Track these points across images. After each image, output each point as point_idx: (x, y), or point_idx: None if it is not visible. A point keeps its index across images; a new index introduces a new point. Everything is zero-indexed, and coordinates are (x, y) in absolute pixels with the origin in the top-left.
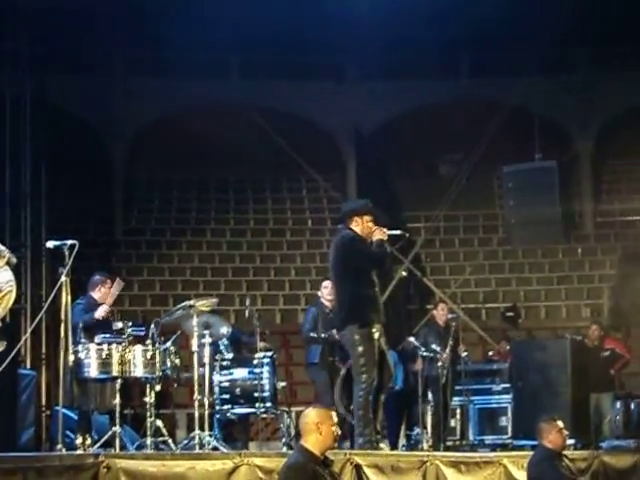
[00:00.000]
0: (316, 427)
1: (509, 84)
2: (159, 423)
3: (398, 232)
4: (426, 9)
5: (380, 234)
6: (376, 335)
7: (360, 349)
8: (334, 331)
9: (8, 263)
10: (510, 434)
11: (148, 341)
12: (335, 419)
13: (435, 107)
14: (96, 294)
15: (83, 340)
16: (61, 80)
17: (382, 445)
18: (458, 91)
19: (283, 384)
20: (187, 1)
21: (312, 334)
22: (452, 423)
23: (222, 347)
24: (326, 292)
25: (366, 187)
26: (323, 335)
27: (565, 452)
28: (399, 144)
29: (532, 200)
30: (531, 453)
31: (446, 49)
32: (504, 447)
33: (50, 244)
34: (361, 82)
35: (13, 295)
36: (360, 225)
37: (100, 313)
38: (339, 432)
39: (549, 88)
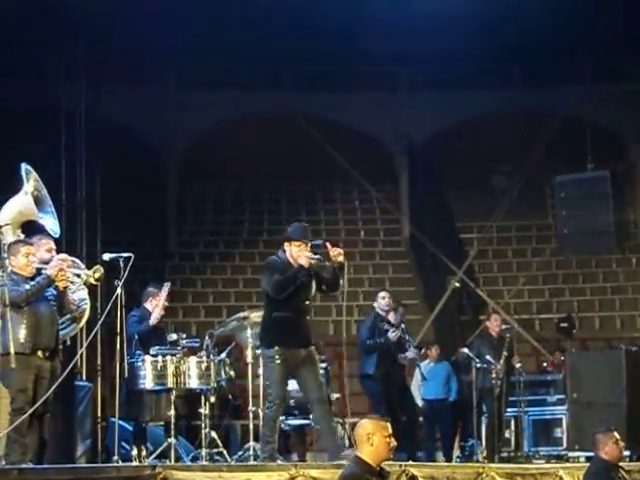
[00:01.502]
0: (369, 438)
1: (560, 93)
2: (214, 434)
3: (319, 257)
4: (477, 20)
5: (303, 260)
6: (278, 360)
7: (265, 370)
8: (391, 334)
9: (85, 283)
10: (565, 445)
11: (202, 353)
12: (389, 430)
13: (487, 117)
14: (149, 305)
15: (138, 352)
16: (115, 93)
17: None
18: (510, 101)
19: (337, 395)
20: (238, 14)
21: (370, 342)
22: (507, 434)
23: None
24: (383, 303)
25: (418, 198)
26: (380, 341)
27: (621, 464)
28: (451, 155)
29: (585, 210)
30: (587, 465)
31: (498, 59)
32: (559, 458)
33: (106, 257)
34: (414, 93)
35: (87, 314)
36: (288, 251)
37: (154, 317)
38: (394, 443)
39: (601, 97)
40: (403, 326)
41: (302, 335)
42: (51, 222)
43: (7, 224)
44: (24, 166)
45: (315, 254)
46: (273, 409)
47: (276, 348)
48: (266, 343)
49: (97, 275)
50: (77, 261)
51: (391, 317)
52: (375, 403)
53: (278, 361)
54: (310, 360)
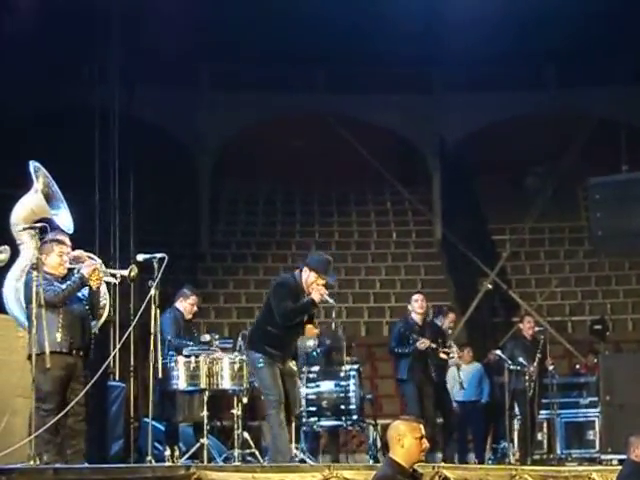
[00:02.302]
0: (400, 439)
1: (595, 95)
2: (246, 435)
3: (332, 301)
4: (512, 21)
5: (317, 295)
6: (262, 364)
7: (255, 373)
8: (420, 344)
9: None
10: (598, 448)
11: (235, 353)
12: (422, 432)
13: (520, 119)
14: (179, 305)
15: (171, 352)
16: (147, 93)
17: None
18: (544, 103)
19: (369, 396)
20: (269, 14)
21: (398, 350)
22: (539, 437)
23: (314, 355)
24: (417, 305)
25: (451, 200)
26: (407, 350)
27: None
28: (484, 156)
29: (619, 212)
30: (619, 467)
31: (532, 60)
32: (592, 461)
33: (140, 257)
34: (447, 94)
35: (107, 310)
36: (305, 276)
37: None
38: (426, 444)
39: (636, 98)
40: (449, 332)
41: (286, 352)
42: (64, 218)
43: (24, 227)
44: (32, 163)
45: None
46: (276, 409)
47: (259, 354)
48: (252, 347)
49: (132, 274)
50: (93, 257)
51: (439, 321)
52: (410, 406)
53: (262, 364)
54: (289, 372)
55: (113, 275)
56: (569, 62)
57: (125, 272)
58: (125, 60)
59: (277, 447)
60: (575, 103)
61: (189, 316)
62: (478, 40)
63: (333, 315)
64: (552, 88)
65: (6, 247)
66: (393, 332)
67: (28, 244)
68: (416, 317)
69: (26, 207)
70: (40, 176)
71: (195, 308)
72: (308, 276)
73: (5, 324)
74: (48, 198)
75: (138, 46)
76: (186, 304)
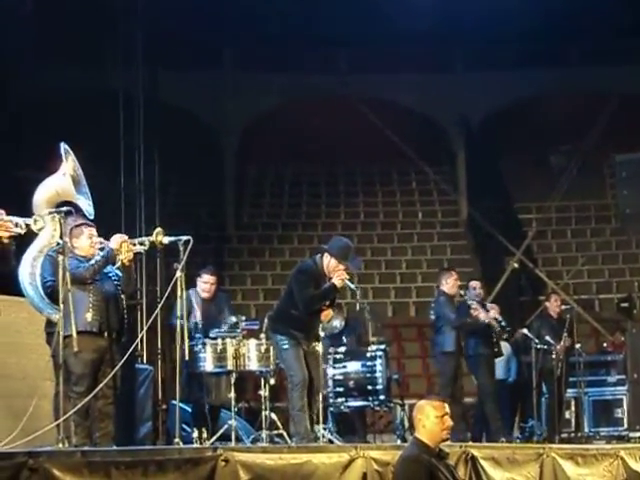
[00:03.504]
0: (424, 419)
1: (619, 72)
2: (274, 416)
3: (353, 286)
4: None
5: (338, 281)
6: (286, 345)
7: (279, 354)
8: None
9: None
10: (626, 426)
11: (262, 335)
12: (447, 410)
13: (545, 97)
14: (197, 286)
15: (198, 335)
16: (172, 76)
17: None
18: (568, 80)
19: (396, 376)
20: None
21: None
22: (567, 415)
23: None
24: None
25: (476, 179)
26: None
27: None
28: (509, 135)
29: None
30: None
31: (556, 38)
32: (620, 439)
33: (165, 240)
34: (471, 73)
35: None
36: (327, 262)
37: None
38: (450, 423)
39: None
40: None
41: (310, 333)
42: (86, 203)
43: (50, 211)
44: (63, 145)
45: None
46: (299, 391)
47: (283, 336)
48: (275, 329)
49: (160, 238)
50: (102, 240)
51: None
52: (444, 383)
53: (286, 346)
54: (312, 354)
55: (141, 243)
56: (594, 40)
57: (152, 238)
58: (148, 42)
59: (296, 429)
60: (600, 80)
61: (204, 295)
62: (502, 18)
63: (359, 296)
64: (576, 66)
65: (40, 215)
66: (443, 306)
67: (48, 226)
68: (451, 292)
69: (50, 189)
70: (69, 159)
71: (211, 287)
72: (329, 262)
73: (31, 307)
74: (74, 182)
75: (161, 28)
76: (200, 283)
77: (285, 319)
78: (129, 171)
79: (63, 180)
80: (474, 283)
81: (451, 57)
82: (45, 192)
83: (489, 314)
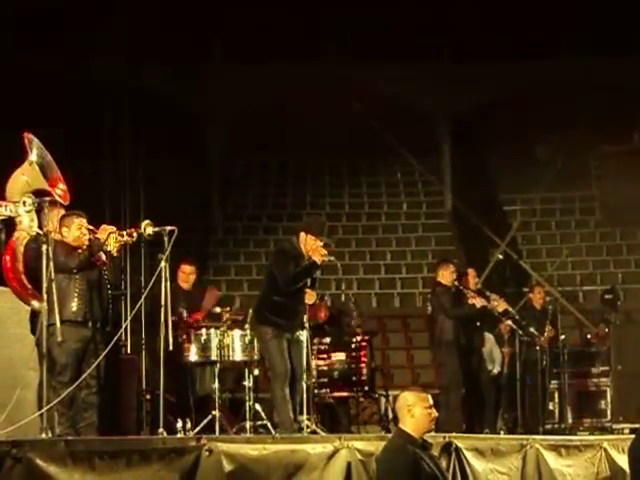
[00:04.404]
0: (410, 410)
1: (607, 64)
2: (258, 407)
3: (332, 258)
4: None
5: (317, 257)
6: (270, 336)
7: (261, 345)
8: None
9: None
10: (609, 417)
11: (246, 326)
12: (430, 401)
13: (531, 88)
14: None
15: (182, 325)
16: (159, 65)
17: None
18: (554, 71)
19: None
20: None
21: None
22: (550, 406)
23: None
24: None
25: (461, 170)
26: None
27: None
28: (494, 126)
29: (631, 182)
30: (631, 437)
31: (544, 28)
32: (603, 430)
33: (150, 230)
34: (456, 63)
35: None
36: (303, 241)
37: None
38: (435, 414)
39: None
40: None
41: (294, 321)
42: (60, 189)
43: (34, 201)
44: (26, 135)
45: None
46: (280, 382)
47: (267, 327)
48: (259, 320)
49: (149, 230)
50: (92, 228)
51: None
52: (449, 372)
53: (270, 336)
54: (297, 343)
55: (129, 235)
56: (581, 30)
57: (140, 230)
58: (134, 31)
59: (280, 420)
60: (586, 72)
61: (184, 285)
62: (488, 8)
63: (343, 287)
64: (564, 57)
65: (30, 195)
66: (440, 297)
67: (25, 215)
68: (447, 283)
69: (19, 180)
70: (34, 147)
71: (189, 276)
72: (307, 240)
73: (15, 297)
74: (43, 169)
75: (149, 17)
76: (180, 273)
77: (268, 306)
78: (114, 160)
79: (30, 170)
80: (470, 271)
81: (438, 48)
82: (15, 184)
83: (491, 303)
